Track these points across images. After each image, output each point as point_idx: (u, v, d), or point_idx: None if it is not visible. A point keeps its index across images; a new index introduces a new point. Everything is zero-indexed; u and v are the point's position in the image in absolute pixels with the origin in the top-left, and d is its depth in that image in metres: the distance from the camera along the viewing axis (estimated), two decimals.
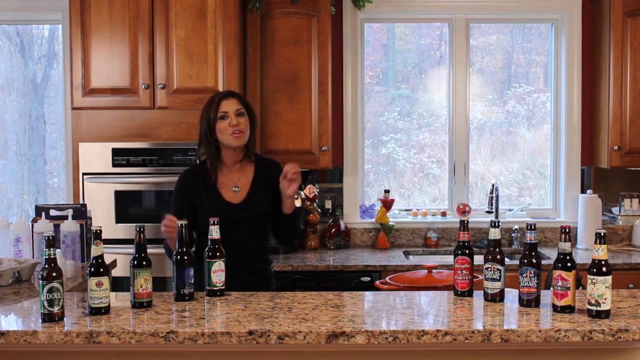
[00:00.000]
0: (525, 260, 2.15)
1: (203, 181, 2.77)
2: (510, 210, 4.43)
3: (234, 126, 2.69)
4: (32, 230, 2.96)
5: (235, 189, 2.78)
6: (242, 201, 2.76)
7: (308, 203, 4.13)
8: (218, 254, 2.32)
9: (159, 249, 3.55)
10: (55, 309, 2.04)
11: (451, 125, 4.41)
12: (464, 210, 4.23)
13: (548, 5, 4.33)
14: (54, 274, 2.04)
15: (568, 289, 2.07)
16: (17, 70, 4.54)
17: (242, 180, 2.80)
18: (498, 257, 2.21)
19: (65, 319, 2.07)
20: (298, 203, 2.75)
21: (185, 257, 2.28)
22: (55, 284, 2.04)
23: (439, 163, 4.51)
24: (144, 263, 2.19)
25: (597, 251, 2.02)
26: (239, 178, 2.80)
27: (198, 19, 3.64)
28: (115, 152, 3.65)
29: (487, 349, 2.07)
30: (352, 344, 1.95)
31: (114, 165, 3.66)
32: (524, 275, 2.15)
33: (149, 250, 2.22)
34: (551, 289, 2.13)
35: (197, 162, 2.89)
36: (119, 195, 3.66)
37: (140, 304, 2.19)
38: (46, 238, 2.05)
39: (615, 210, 4.34)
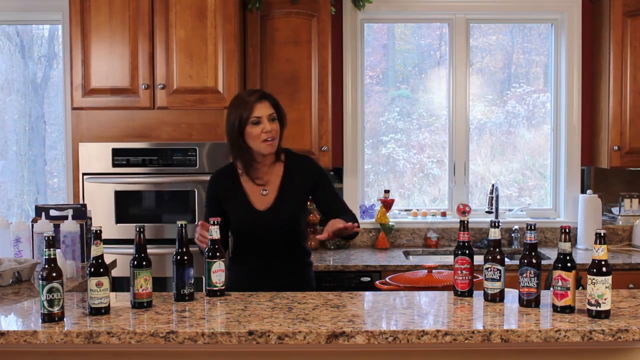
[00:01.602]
0: (525, 261, 2.15)
1: (232, 184, 2.70)
2: (510, 210, 4.43)
3: (267, 132, 2.59)
4: (32, 231, 2.96)
5: (264, 192, 2.69)
6: (269, 208, 2.67)
7: (308, 203, 4.13)
8: (218, 254, 2.32)
9: (159, 249, 3.57)
10: (55, 309, 2.04)
11: (451, 125, 4.41)
12: (464, 210, 4.23)
13: (548, 6, 4.33)
14: (54, 274, 2.04)
15: (568, 289, 2.07)
16: (17, 70, 4.55)
17: (271, 181, 2.70)
18: (498, 257, 2.21)
19: (65, 319, 2.07)
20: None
21: (185, 257, 2.27)
22: (55, 284, 2.04)
23: (439, 163, 4.51)
24: (144, 263, 2.19)
25: (597, 251, 2.02)
26: (268, 179, 2.71)
27: (198, 19, 3.64)
28: (115, 152, 3.65)
29: (487, 349, 2.07)
30: (352, 344, 1.95)
31: (114, 165, 3.66)
32: (524, 275, 2.15)
33: (149, 250, 2.22)
34: (551, 289, 2.13)
35: (229, 161, 2.79)
36: (119, 196, 3.66)
37: (140, 304, 2.19)
38: (46, 238, 2.05)
39: (615, 210, 4.34)
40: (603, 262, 2.02)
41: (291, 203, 2.70)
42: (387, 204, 4.24)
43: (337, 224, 2.49)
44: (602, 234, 2.03)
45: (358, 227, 2.58)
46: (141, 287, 2.18)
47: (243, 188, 2.70)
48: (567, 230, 2.10)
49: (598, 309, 2.02)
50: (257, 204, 2.69)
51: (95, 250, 2.12)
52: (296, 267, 2.77)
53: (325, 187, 2.76)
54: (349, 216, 2.67)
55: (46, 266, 2.04)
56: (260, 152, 2.63)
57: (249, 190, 2.70)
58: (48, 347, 2.05)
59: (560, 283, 2.08)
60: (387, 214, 4.24)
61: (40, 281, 2.04)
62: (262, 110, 2.60)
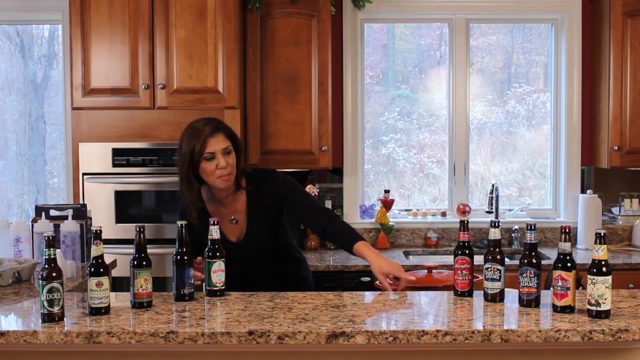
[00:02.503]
0: (525, 260, 2.15)
1: (200, 217, 2.58)
2: (510, 210, 4.43)
3: (221, 169, 2.49)
4: (32, 230, 2.96)
5: (233, 221, 2.63)
6: (242, 238, 2.63)
7: None
8: (218, 254, 2.31)
9: (159, 249, 3.58)
10: (55, 309, 2.04)
11: (451, 125, 4.41)
12: (464, 210, 4.23)
13: (548, 6, 4.33)
14: (54, 274, 2.04)
15: (568, 289, 2.07)
16: (17, 70, 4.55)
17: (237, 209, 2.63)
18: (498, 257, 2.21)
19: (65, 319, 2.07)
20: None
21: (185, 257, 2.27)
22: (55, 284, 2.04)
23: (439, 163, 4.51)
24: (144, 263, 2.18)
25: (597, 251, 2.02)
26: (234, 209, 2.64)
27: (198, 19, 3.64)
28: (115, 152, 3.65)
29: (487, 349, 2.07)
30: (352, 344, 1.95)
31: (114, 165, 3.66)
32: (524, 275, 2.15)
33: (149, 250, 2.22)
34: (551, 289, 2.13)
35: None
36: (119, 196, 3.66)
37: (140, 304, 2.19)
38: (46, 238, 2.05)
39: (615, 210, 4.34)
40: (603, 262, 2.02)
41: (263, 228, 2.63)
42: (387, 204, 4.24)
43: (397, 272, 2.41)
44: (602, 234, 2.03)
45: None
46: (141, 287, 2.18)
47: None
48: (567, 230, 2.10)
49: (598, 309, 2.02)
50: (229, 234, 2.63)
51: (95, 250, 2.12)
52: (287, 274, 2.74)
53: (293, 198, 2.64)
54: (323, 215, 2.59)
55: (46, 266, 2.04)
56: (216, 187, 2.55)
57: (219, 222, 2.58)
58: (48, 347, 2.05)
59: (560, 283, 2.08)
60: (387, 214, 4.24)
61: (40, 281, 2.04)
62: (216, 145, 2.50)
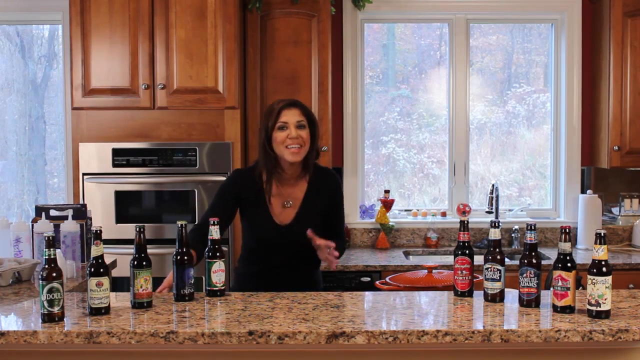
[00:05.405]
0: (525, 261, 2.15)
1: (256, 190, 2.63)
2: (510, 210, 4.43)
3: (292, 139, 2.53)
4: (32, 231, 2.96)
5: (287, 204, 2.65)
6: (289, 223, 2.63)
7: None
8: (218, 254, 2.31)
9: (159, 249, 3.58)
10: (55, 309, 2.04)
11: (451, 125, 4.41)
12: (464, 210, 4.23)
13: (548, 6, 4.33)
14: (54, 274, 2.04)
15: (568, 289, 2.07)
16: (17, 70, 4.54)
17: (294, 195, 2.66)
18: (498, 257, 2.21)
19: (65, 319, 2.07)
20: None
21: (186, 257, 2.27)
22: (55, 284, 2.04)
23: (439, 163, 4.51)
24: (144, 263, 2.18)
25: (597, 251, 2.02)
26: (291, 192, 2.66)
27: (198, 19, 3.64)
28: (115, 153, 3.65)
29: (487, 349, 2.07)
30: (352, 344, 1.95)
31: (114, 165, 3.66)
32: (524, 275, 2.15)
33: (149, 250, 2.22)
34: (551, 289, 2.13)
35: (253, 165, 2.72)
36: (119, 196, 3.66)
37: (140, 304, 2.19)
38: (46, 238, 2.05)
39: (615, 210, 4.34)
40: (603, 262, 2.02)
41: (311, 220, 2.64)
42: (387, 204, 4.24)
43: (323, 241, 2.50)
44: (602, 234, 2.03)
45: (337, 257, 2.57)
46: (141, 287, 2.18)
47: (265, 198, 2.63)
48: (567, 230, 2.10)
49: (598, 309, 2.02)
50: (278, 217, 2.64)
51: (95, 250, 2.12)
52: (306, 272, 2.75)
53: (336, 208, 2.74)
54: (338, 242, 2.64)
55: (46, 266, 2.04)
56: (285, 158, 2.57)
57: (272, 202, 2.64)
58: (48, 347, 2.05)
59: (560, 283, 2.08)
60: (387, 214, 4.24)
61: (40, 281, 2.04)
62: (290, 116, 2.55)
